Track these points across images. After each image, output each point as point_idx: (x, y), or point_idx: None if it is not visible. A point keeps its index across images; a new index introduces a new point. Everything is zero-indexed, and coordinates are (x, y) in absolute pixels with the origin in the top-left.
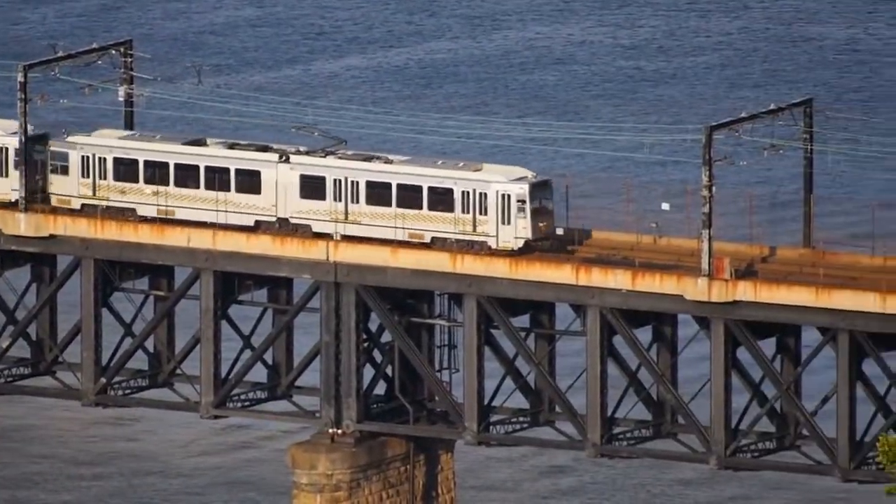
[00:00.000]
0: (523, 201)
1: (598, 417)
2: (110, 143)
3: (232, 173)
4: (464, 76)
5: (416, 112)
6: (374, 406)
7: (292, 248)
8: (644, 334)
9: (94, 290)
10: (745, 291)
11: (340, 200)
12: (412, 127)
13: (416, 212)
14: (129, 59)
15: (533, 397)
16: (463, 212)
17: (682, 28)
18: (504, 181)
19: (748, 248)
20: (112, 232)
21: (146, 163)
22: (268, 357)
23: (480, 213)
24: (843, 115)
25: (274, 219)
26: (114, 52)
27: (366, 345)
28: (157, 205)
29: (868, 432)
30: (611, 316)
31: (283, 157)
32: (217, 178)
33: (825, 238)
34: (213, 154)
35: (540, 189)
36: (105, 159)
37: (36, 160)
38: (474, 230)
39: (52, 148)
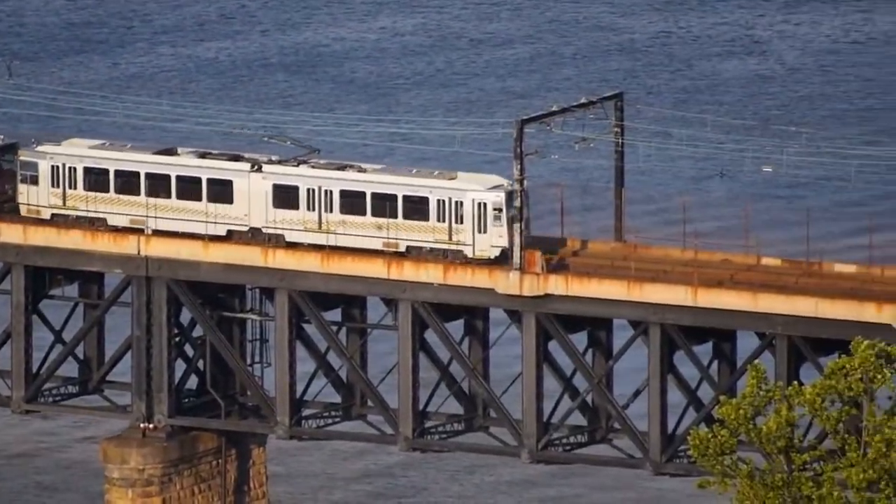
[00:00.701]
0: (499, 209)
1: (410, 411)
2: (81, 152)
3: (204, 183)
4: (274, 69)
5: (226, 105)
6: (186, 400)
7: (103, 243)
8: (457, 328)
9: None
10: (557, 285)
11: (314, 210)
12: (222, 120)
13: (391, 221)
14: None
15: (345, 391)
16: (438, 220)
17: (493, 21)
18: (480, 189)
19: (559, 241)
20: None
21: (117, 172)
22: (79, 352)
23: (456, 222)
24: (654, 108)
25: (246, 228)
26: None
27: (177, 339)
28: (129, 214)
29: (680, 426)
30: (422, 310)
31: (256, 167)
32: (189, 188)
33: (637, 231)
34: (184, 163)
35: (516, 197)
36: (75, 169)
37: (5, 169)
38: (450, 239)
39: (21, 157)
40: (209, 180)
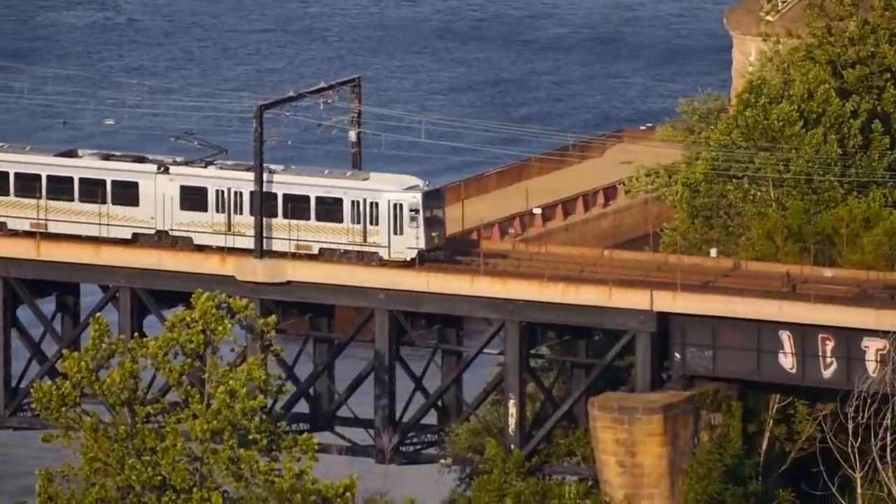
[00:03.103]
0: (416, 210)
1: None
2: None
3: (108, 185)
4: None
5: None
6: None
7: None
8: None
9: None
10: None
11: (223, 212)
12: None
13: (304, 222)
14: None
15: None
16: (353, 222)
17: None
18: (396, 190)
19: None
20: None
21: (17, 175)
22: None
23: (371, 224)
24: None
25: (153, 231)
26: None
27: None
28: (29, 218)
29: (24, 379)
30: None
31: (162, 168)
32: (92, 190)
33: None
34: (88, 165)
35: (432, 198)
36: None
37: None
38: (365, 241)
39: None
40: (114, 182)
